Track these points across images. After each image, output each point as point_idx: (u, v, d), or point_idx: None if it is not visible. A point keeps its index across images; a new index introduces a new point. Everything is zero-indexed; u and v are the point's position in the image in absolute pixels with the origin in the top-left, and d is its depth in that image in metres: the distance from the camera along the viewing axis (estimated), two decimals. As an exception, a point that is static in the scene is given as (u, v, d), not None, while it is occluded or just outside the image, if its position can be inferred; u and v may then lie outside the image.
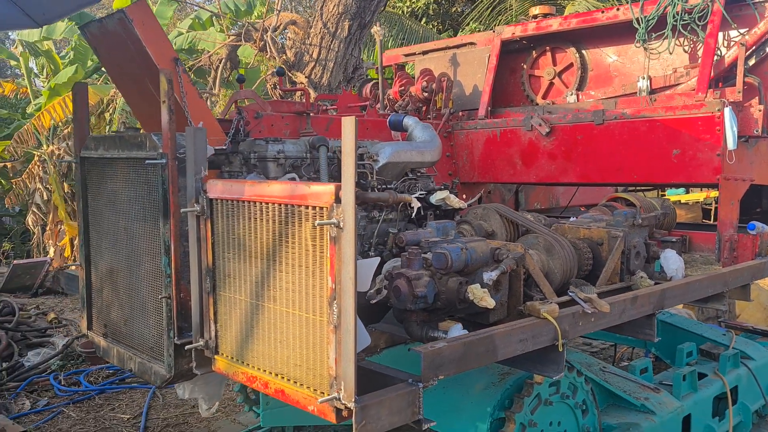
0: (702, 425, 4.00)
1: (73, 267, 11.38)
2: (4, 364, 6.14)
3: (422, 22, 15.41)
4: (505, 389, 3.16)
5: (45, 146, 12.01)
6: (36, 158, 12.02)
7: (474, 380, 3.26)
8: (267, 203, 2.21)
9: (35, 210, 12.58)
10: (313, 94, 6.21)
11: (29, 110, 13.27)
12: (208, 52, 9.03)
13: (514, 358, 2.51)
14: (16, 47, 12.56)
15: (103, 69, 14.01)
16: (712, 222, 9.11)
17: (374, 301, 2.72)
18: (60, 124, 12.21)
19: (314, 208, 2.03)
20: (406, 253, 2.58)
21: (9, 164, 12.70)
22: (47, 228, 12.52)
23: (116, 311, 3.11)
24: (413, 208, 3.07)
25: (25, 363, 6.27)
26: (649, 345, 4.99)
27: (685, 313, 5.94)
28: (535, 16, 5.38)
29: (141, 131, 3.30)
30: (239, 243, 2.36)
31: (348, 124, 1.85)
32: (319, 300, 2.04)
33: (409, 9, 15.70)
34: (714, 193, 8.94)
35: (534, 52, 5.30)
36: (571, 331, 2.69)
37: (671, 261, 3.57)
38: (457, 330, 2.42)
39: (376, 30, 5.21)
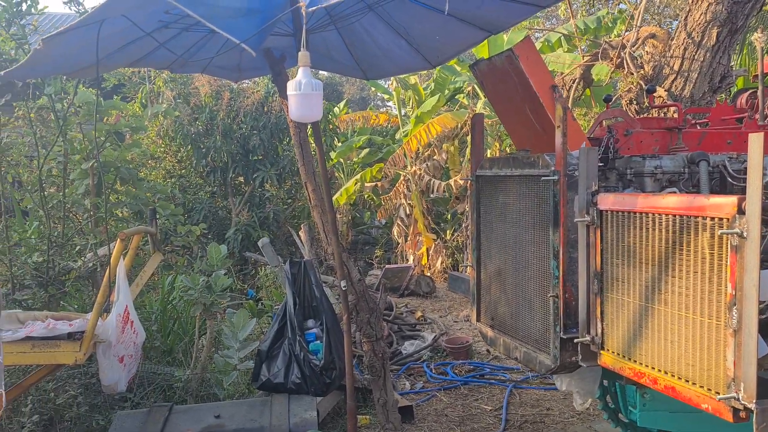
0: None
1: (463, 269, 12.86)
2: (388, 350, 7.34)
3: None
4: None
5: (409, 167, 13.85)
6: (402, 178, 13.93)
7: None
8: (661, 214, 2.42)
9: (399, 223, 14.55)
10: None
11: (398, 136, 15.39)
12: (560, 73, 9.41)
13: None
14: (392, 83, 14.69)
15: (456, 97, 15.61)
16: None
17: (763, 317, 2.69)
18: (421, 147, 13.97)
19: (713, 219, 2.18)
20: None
21: (379, 183, 14.90)
22: (408, 238, 14.38)
23: (503, 306, 3.61)
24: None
25: (402, 351, 7.40)
26: None
27: None
28: None
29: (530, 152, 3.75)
30: (629, 250, 2.60)
31: (755, 140, 1.97)
32: (716, 305, 2.18)
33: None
34: None
35: None
36: None
37: None
38: None
39: (757, 37, 4.93)
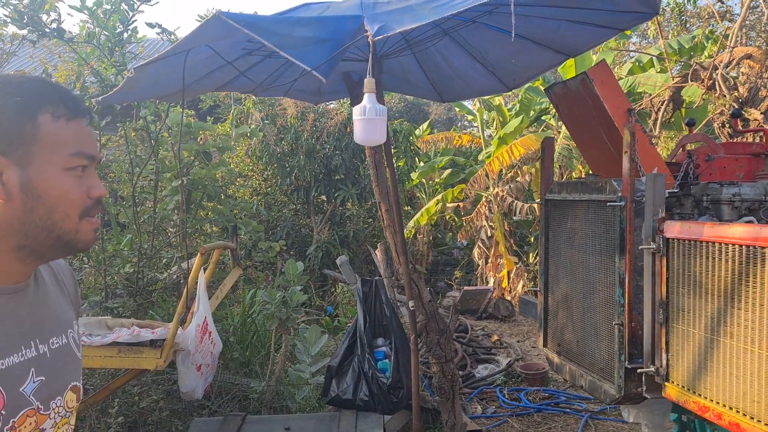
0: None
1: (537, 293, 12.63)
2: (461, 372, 7.29)
3: None
4: None
5: (491, 188, 13.74)
6: (483, 199, 13.83)
7: None
8: (727, 244, 2.34)
9: (480, 244, 14.42)
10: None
11: (480, 157, 15.33)
12: (649, 94, 9.13)
13: None
14: (475, 104, 14.70)
15: (542, 118, 15.41)
16: None
17: None
18: (504, 169, 13.85)
19: (780, 250, 2.09)
20: None
21: (461, 204, 14.86)
22: (489, 261, 14.22)
23: (569, 333, 3.55)
24: None
25: (475, 374, 7.32)
26: None
27: None
28: None
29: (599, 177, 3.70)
30: (694, 280, 2.52)
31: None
32: (783, 340, 2.08)
33: None
34: None
35: None
36: None
37: None
38: None
39: None
